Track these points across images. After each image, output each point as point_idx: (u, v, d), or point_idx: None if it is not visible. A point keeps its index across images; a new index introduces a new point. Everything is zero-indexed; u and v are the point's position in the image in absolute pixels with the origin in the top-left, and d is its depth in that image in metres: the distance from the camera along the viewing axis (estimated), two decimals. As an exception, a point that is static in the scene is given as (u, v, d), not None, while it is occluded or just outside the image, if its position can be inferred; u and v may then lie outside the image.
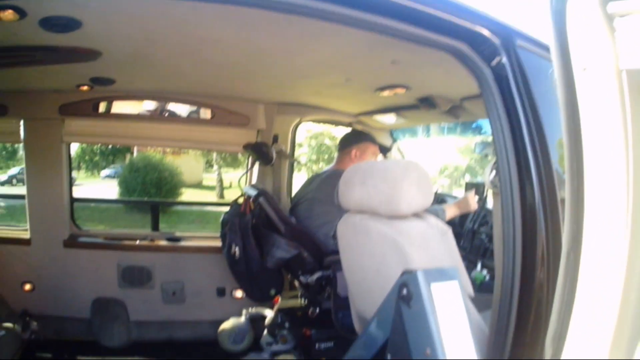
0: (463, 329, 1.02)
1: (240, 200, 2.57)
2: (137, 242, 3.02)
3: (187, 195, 11.60)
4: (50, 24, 1.47)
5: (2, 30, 1.49)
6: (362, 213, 1.47)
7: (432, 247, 1.29)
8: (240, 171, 13.31)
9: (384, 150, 2.62)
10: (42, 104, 2.61)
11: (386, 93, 2.20)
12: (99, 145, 13.29)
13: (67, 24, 1.47)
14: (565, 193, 0.93)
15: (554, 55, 0.88)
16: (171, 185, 11.00)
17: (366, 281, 1.53)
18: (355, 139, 2.56)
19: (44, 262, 2.82)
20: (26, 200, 2.79)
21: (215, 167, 13.05)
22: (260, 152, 2.57)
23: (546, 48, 1.29)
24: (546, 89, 1.19)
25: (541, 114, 1.19)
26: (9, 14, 1.36)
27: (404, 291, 1.05)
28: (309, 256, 2.26)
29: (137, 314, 2.94)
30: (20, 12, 1.37)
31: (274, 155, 2.55)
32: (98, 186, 12.02)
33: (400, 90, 2.14)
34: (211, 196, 12.70)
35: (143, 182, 10.66)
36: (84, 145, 13.36)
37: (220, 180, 12.93)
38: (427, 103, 2.26)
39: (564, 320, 1.03)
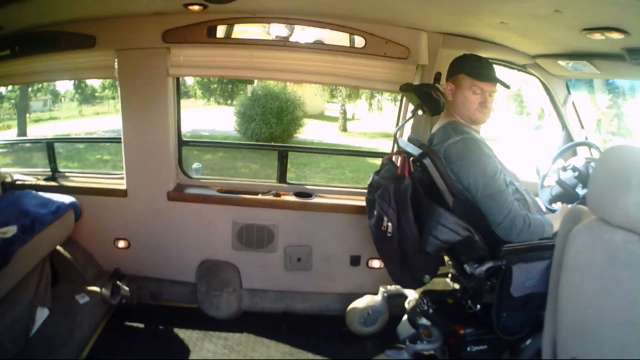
0: None
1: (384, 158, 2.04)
2: (259, 196, 2.62)
3: (309, 126, 11.31)
4: None
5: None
6: (627, 231, 1.18)
7: None
8: (363, 102, 12.66)
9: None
10: (140, 31, 2.20)
11: (597, 36, 1.67)
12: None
13: None
14: None
15: None
16: (293, 116, 10.71)
17: (602, 323, 1.24)
18: (450, 70, 1.97)
19: (142, 216, 2.56)
20: (122, 146, 2.46)
21: (339, 97, 12.44)
22: (428, 96, 1.94)
23: None
24: None
25: None
26: None
27: None
28: (480, 240, 1.70)
29: (251, 281, 2.64)
30: None
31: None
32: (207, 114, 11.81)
33: (616, 35, 1.61)
34: (333, 128, 12.29)
35: (263, 112, 10.37)
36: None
37: (344, 112, 12.39)
38: (637, 55, 1.70)
39: None
